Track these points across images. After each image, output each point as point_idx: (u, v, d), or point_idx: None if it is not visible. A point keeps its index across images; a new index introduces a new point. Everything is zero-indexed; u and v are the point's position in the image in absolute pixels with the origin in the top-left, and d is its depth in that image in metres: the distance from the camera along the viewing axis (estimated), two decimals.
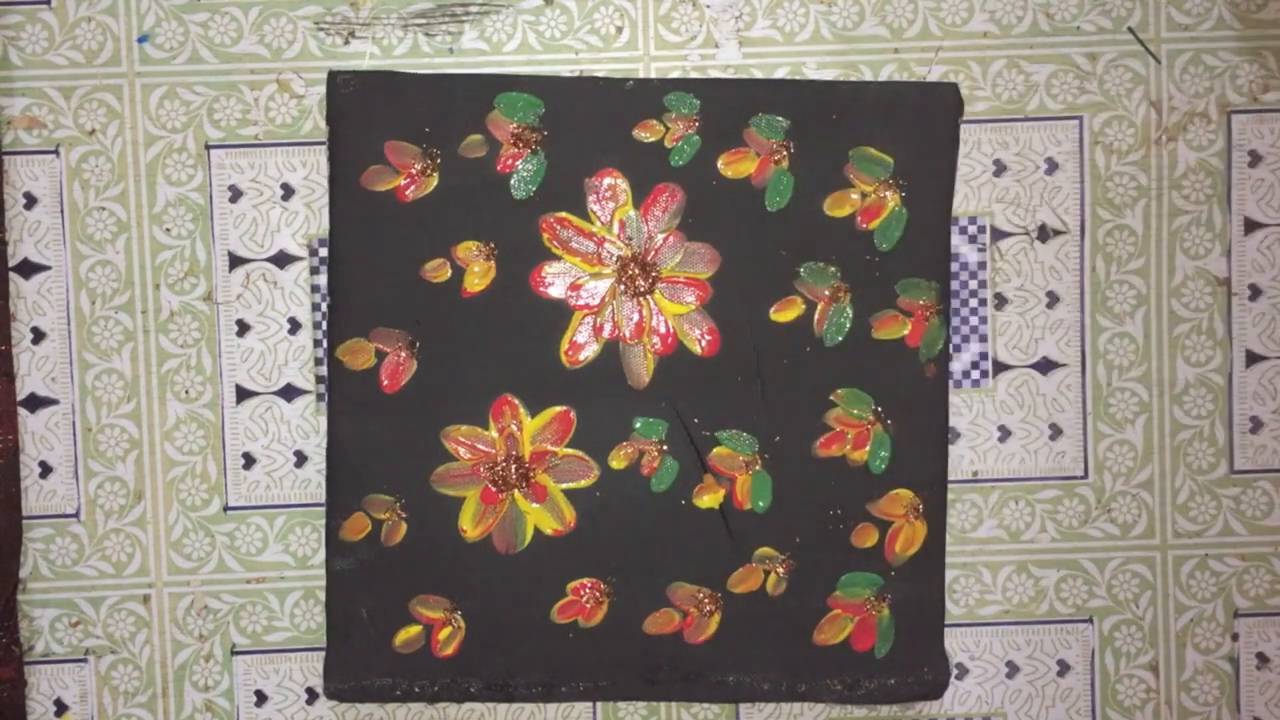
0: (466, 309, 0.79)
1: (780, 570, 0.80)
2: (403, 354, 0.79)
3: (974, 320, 0.81)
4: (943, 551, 0.80)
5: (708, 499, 0.79)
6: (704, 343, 0.79)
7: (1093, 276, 0.81)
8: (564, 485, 0.79)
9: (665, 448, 0.79)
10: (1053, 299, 0.81)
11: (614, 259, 0.79)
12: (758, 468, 0.79)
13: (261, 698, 0.81)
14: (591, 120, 0.79)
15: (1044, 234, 0.81)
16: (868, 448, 0.79)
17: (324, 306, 0.80)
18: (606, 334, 0.79)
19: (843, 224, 0.79)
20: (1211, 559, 0.82)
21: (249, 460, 0.81)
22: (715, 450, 0.79)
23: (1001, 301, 0.81)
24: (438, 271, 0.79)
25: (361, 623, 0.80)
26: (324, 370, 0.80)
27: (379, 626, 0.80)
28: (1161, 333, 0.81)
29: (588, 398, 0.79)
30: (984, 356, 0.81)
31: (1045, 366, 0.81)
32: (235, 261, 0.80)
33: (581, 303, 0.79)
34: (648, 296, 0.79)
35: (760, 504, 0.79)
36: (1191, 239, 0.81)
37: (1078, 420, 0.81)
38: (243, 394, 0.81)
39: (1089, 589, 0.82)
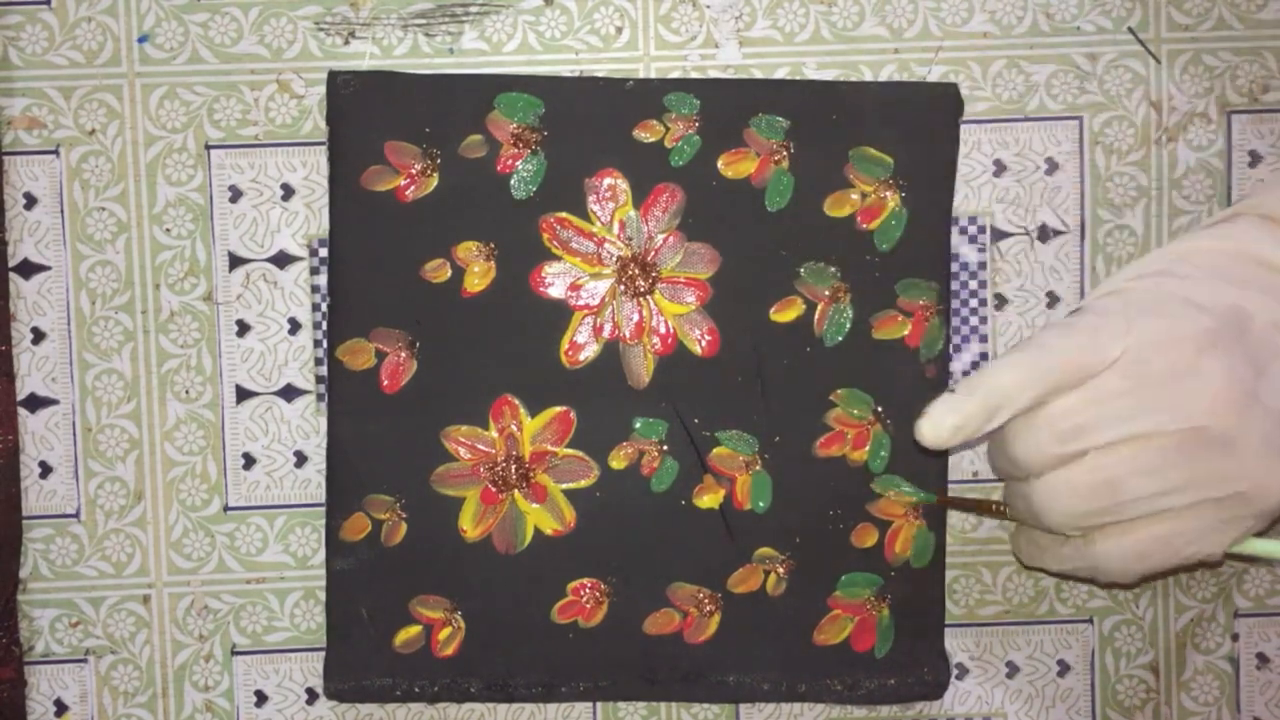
0: (466, 309, 0.79)
1: (780, 570, 0.80)
2: (403, 354, 0.79)
3: (974, 320, 0.81)
4: (943, 551, 0.80)
5: (708, 499, 0.79)
6: (704, 343, 0.79)
7: (1093, 277, 0.81)
8: (564, 485, 0.79)
9: (665, 448, 0.79)
10: (1053, 299, 0.81)
11: (614, 259, 0.79)
12: (758, 468, 0.79)
13: (261, 698, 0.81)
14: (591, 120, 0.79)
15: (1044, 234, 0.81)
16: (868, 448, 0.79)
17: (324, 307, 0.80)
18: (606, 334, 0.79)
19: (843, 224, 0.79)
20: None
21: (249, 460, 0.81)
22: (715, 450, 0.79)
23: (1002, 302, 0.81)
24: (438, 272, 0.79)
25: (361, 623, 0.80)
26: (324, 370, 0.80)
27: (379, 627, 0.80)
28: None
29: (588, 398, 0.79)
30: (984, 357, 0.81)
31: None
32: (235, 262, 0.80)
33: (581, 303, 0.79)
34: (648, 297, 0.79)
35: (760, 504, 0.79)
36: None
37: None
38: (243, 394, 0.81)
39: (1089, 589, 0.82)
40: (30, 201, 0.80)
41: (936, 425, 0.69)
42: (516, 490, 0.79)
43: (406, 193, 0.79)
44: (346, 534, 0.79)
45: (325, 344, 0.80)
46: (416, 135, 0.78)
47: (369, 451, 0.79)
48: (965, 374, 0.81)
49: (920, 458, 0.79)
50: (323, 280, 0.80)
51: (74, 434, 0.80)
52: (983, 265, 0.81)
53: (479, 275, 0.79)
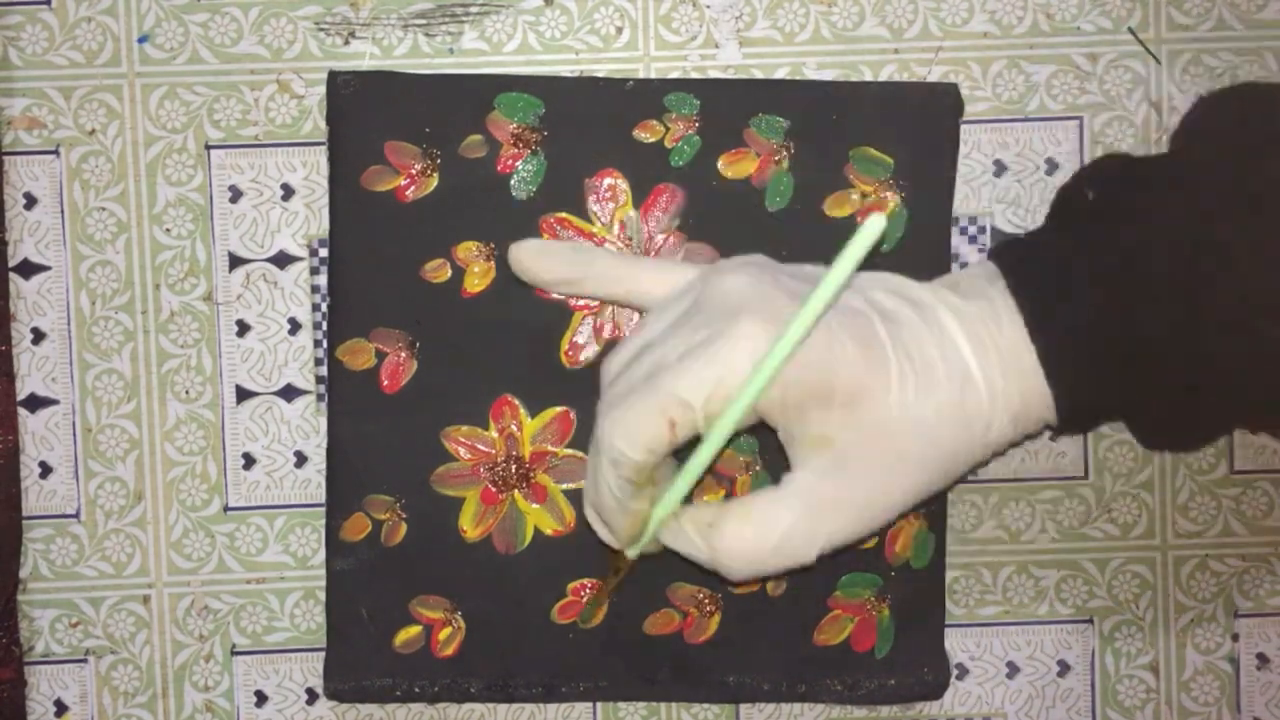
0: (467, 309, 0.79)
1: None
2: (403, 354, 0.79)
3: None
4: (943, 552, 0.80)
5: (708, 499, 0.79)
6: None
7: None
8: (564, 485, 0.79)
9: None
10: None
11: None
12: (758, 468, 0.79)
13: (262, 698, 0.81)
14: (591, 121, 0.79)
15: None
16: None
17: (324, 307, 0.80)
18: (607, 334, 0.79)
19: (843, 224, 0.79)
20: (1212, 559, 0.82)
21: (249, 460, 0.81)
22: None
23: None
24: (438, 272, 0.79)
25: (361, 623, 0.80)
26: (324, 370, 0.80)
27: (379, 627, 0.80)
28: None
29: (588, 398, 0.79)
30: None
31: None
32: (235, 262, 0.80)
33: (582, 303, 0.79)
34: None
35: None
36: None
37: None
38: (243, 394, 0.81)
39: (1089, 589, 0.82)
40: (30, 201, 0.80)
41: (524, 246, 0.76)
42: (516, 490, 0.79)
43: (406, 193, 0.79)
44: (346, 534, 0.79)
45: (325, 344, 0.80)
46: (416, 135, 0.78)
47: (369, 451, 0.79)
48: None
49: None
50: (323, 280, 0.80)
51: (74, 434, 0.80)
52: None
53: (479, 275, 0.79)
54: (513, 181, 0.79)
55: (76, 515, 0.80)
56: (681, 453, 0.69)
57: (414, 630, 0.80)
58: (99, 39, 0.79)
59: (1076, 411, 0.70)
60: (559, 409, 0.79)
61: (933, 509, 0.80)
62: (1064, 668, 0.83)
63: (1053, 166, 0.81)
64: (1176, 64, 0.81)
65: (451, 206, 0.79)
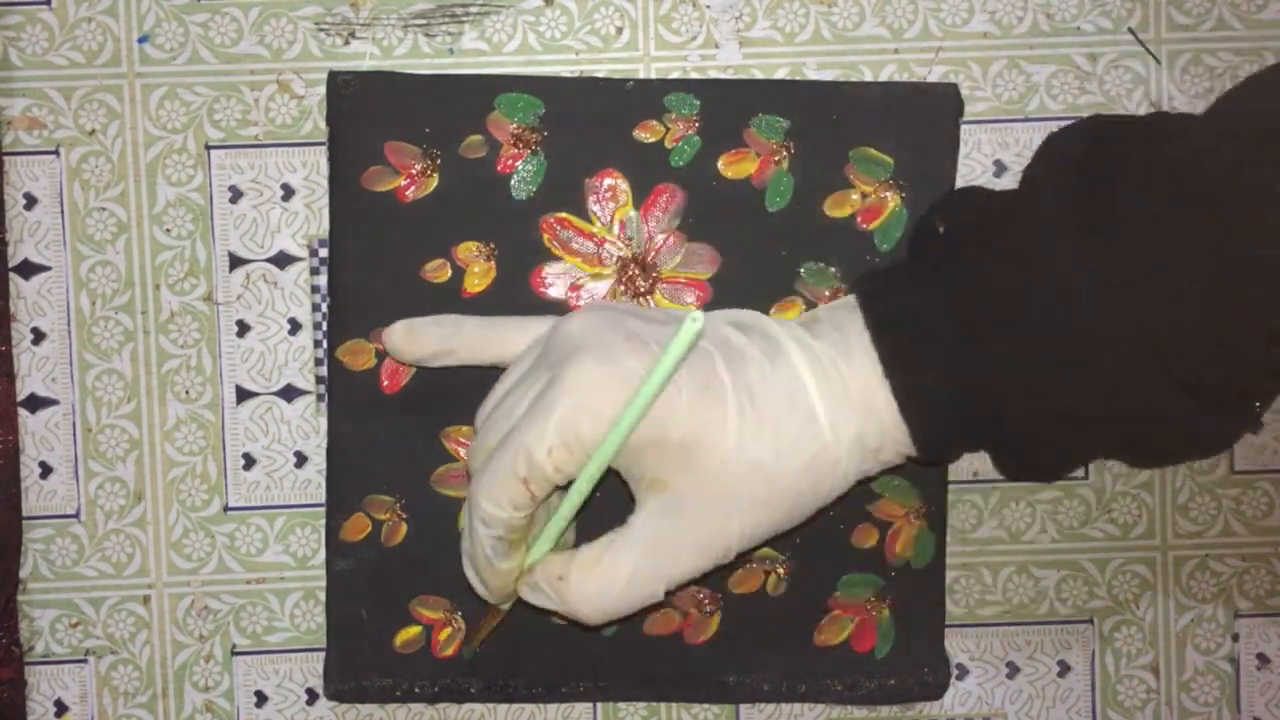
0: (467, 309, 0.79)
1: (780, 571, 0.80)
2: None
3: None
4: (943, 552, 0.80)
5: None
6: None
7: None
8: None
9: None
10: None
11: (614, 259, 0.79)
12: None
13: (262, 698, 0.81)
14: (591, 121, 0.79)
15: None
16: None
17: (324, 307, 0.80)
18: None
19: (843, 224, 0.79)
20: (1212, 559, 0.82)
21: (249, 461, 0.81)
22: None
23: None
24: (438, 272, 0.79)
25: (362, 623, 0.80)
26: (324, 371, 0.80)
27: (379, 627, 0.80)
28: None
29: None
30: None
31: None
32: (235, 262, 0.80)
33: (582, 303, 0.79)
34: (648, 297, 0.79)
35: None
36: None
37: None
38: (243, 394, 0.81)
39: (1089, 589, 0.82)
40: (30, 202, 0.79)
41: (393, 331, 0.76)
42: None
43: (407, 193, 0.79)
44: (347, 534, 0.79)
45: (325, 344, 0.80)
46: (416, 135, 0.78)
47: (369, 452, 0.79)
48: None
49: None
50: (323, 280, 0.80)
51: (74, 434, 0.80)
52: None
53: (479, 275, 0.79)
54: (513, 181, 0.79)
55: (76, 515, 0.80)
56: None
57: (414, 630, 0.80)
58: (99, 39, 0.79)
59: (934, 447, 0.70)
60: None
61: (932, 509, 0.80)
62: (1064, 668, 0.83)
63: None
64: (1176, 64, 0.81)
65: (451, 206, 0.79)
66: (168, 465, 0.81)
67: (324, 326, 0.80)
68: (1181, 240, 0.64)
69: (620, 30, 0.80)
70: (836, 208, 0.79)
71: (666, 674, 0.80)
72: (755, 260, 0.79)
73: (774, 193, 0.79)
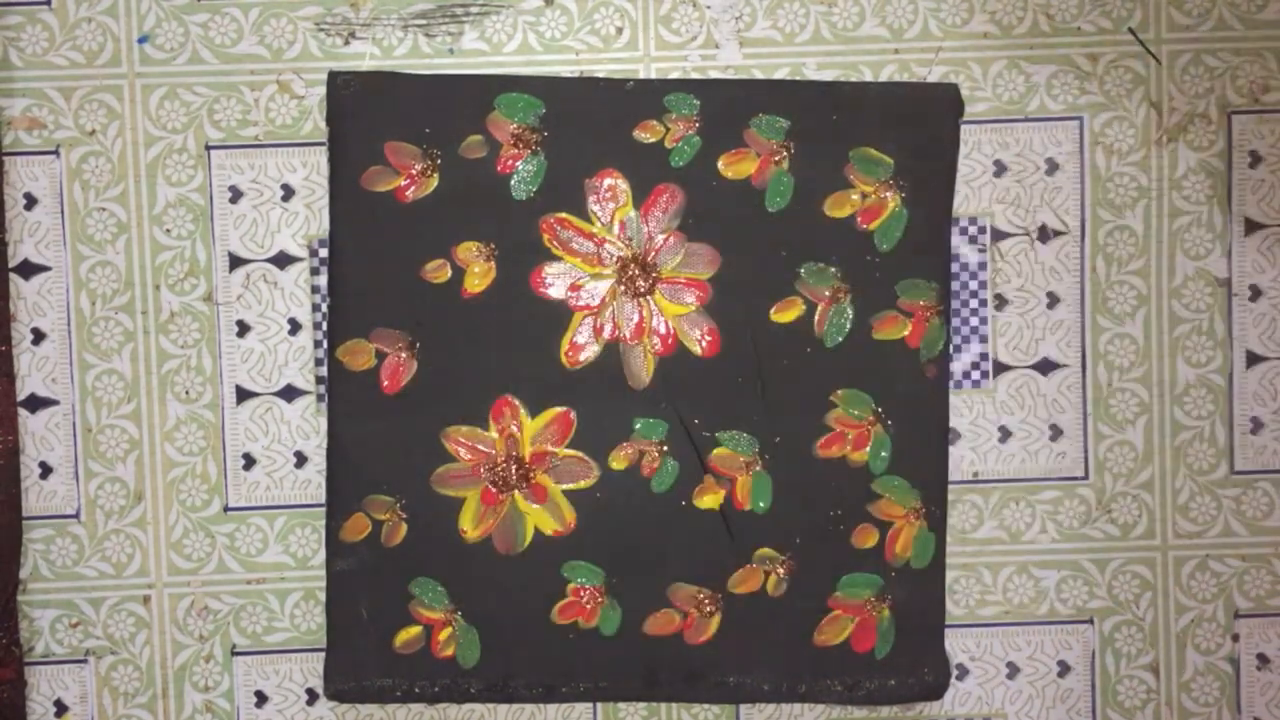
0: (467, 309, 0.79)
1: (781, 571, 0.80)
2: (403, 354, 0.79)
3: (974, 321, 0.81)
4: (943, 552, 0.80)
5: (708, 500, 0.79)
6: (704, 343, 0.79)
7: (1093, 277, 0.81)
8: (564, 486, 0.79)
9: (665, 448, 0.79)
10: (1053, 299, 0.81)
11: (614, 259, 0.79)
12: (758, 468, 0.79)
13: (262, 698, 0.81)
14: (592, 121, 0.79)
15: (1044, 235, 0.81)
16: (868, 448, 0.79)
17: (324, 307, 0.80)
18: (607, 334, 0.79)
19: (843, 224, 0.79)
20: (1212, 560, 0.82)
21: (249, 461, 0.81)
22: (715, 451, 0.79)
23: (1002, 302, 0.81)
24: (438, 272, 0.79)
25: (362, 623, 0.80)
26: (324, 371, 0.80)
27: (379, 627, 0.80)
28: (1162, 333, 0.81)
29: (588, 398, 0.79)
30: (984, 357, 0.81)
31: (1046, 367, 0.81)
32: (235, 262, 0.80)
33: (582, 303, 0.79)
34: (648, 297, 0.79)
35: (761, 505, 0.79)
36: (1192, 240, 0.81)
37: (1078, 421, 0.81)
38: (243, 394, 0.80)
39: (1089, 590, 0.82)
40: (30, 202, 0.79)
41: None
42: (517, 491, 0.79)
43: (407, 193, 0.79)
44: (347, 534, 0.79)
45: (325, 344, 0.80)
46: (417, 135, 0.78)
47: (369, 452, 0.79)
48: (965, 374, 0.81)
49: (921, 459, 0.79)
50: (323, 280, 0.80)
51: (74, 434, 0.80)
52: (983, 266, 0.81)
53: (479, 275, 0.79)
54: (513, 181, 0.79)
55: (76, 515, 0.80)
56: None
57: (414, 630, 0.80)
58: (99, 39, 0.79)
59: None
60: (559, 409, 0.79)
61: (932, 509, 0.80)
62: (1064, 668, 0.83)
63: (1053, 166, 0.81)
64: (1176, 64, 0.81)
65: (451, 207, 0.79)
66: (168, 465, 0.81)
67: (324, 327, 0.80)
68: None
69: (620, 30, 0.80)
70: (836, 208, 0.79)
71: (666, 674, 0.80)
72: (755, 260, 0.79)
73: (774, 193, 0.79)
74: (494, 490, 0.79)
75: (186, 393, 0.80)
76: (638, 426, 0.79)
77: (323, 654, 0.81)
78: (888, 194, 0.79)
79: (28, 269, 0.80)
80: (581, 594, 0.80)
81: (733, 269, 0.79)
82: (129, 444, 0.80)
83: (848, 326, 0.79)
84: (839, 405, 0.79)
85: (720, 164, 0.79)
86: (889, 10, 0.80)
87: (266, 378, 0.81)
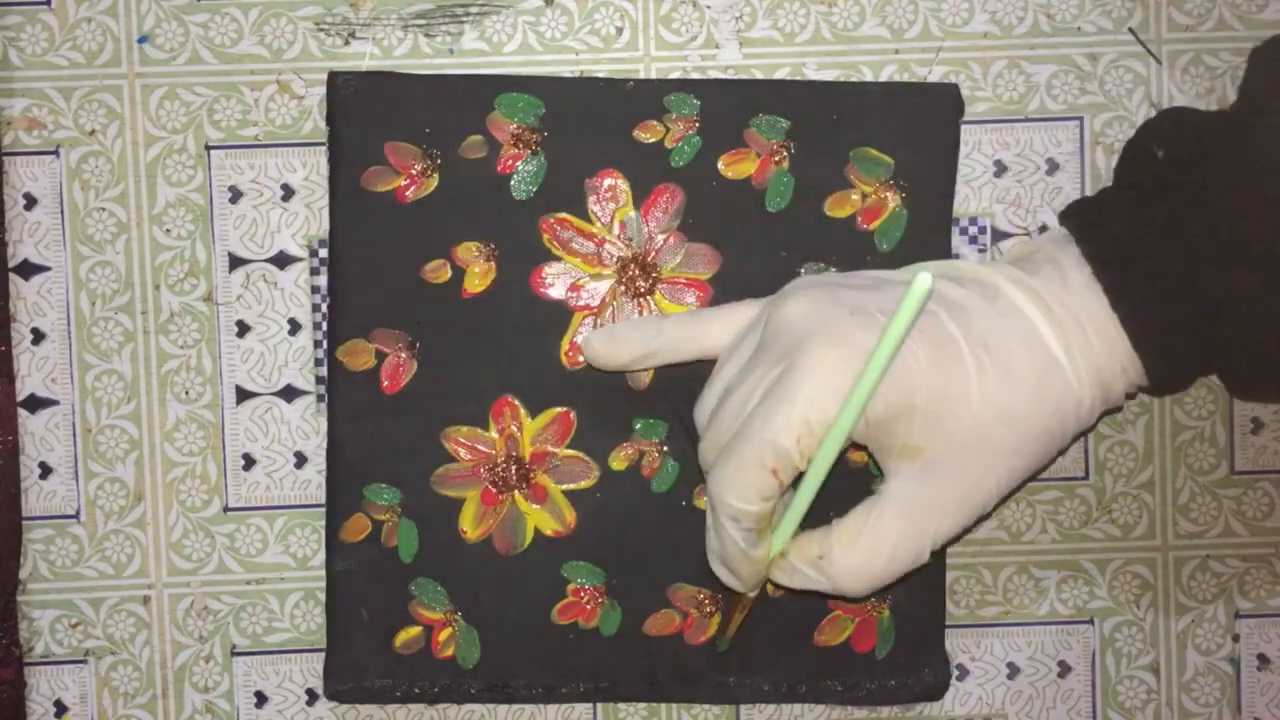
0: (467, 310, 0.79)
1: None
2: (403, 355, 0.79)
3: None
4: (944, 552, 0.80)
5: None
6: None
7: None
8: (564, 486, 0.79)
9: (666, 449, 0.79)
10: None
11: (614, 260, 0.79)
12: None
13: (262, 699, 0.81)
14: (592, 121, 0.79)
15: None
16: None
17: (324, 307, 0.80)
18: None
19: (843, 225, 0.79)
20: (1213, 560, 0.82)
21: (249, 461, 0.81)
22: None
23: None
24: (438, 272, 0.79)
25: (361, 624, 0.80)
26: (324, 371, 0.80)
27: (379, 627, 0.80)
28: None
29: (588, 399, 0.79)
30: None
31: None
32: (235, 262, 0.80)
33: (582, 303, 0.79)
34: (648, 297, 0.79)
35: None
36: None
37: None
38: (243, 395, 0.80)
39: (1090, 590, 0.82)
40: (30, 202, 0.79)
41: (594, 338, 0.76)
42: (517, 491, 0.79)
43: (407, 193, 0.79)
44: (347, 535, 0.79)
45: (325, 344, 0.80)
46: (417, 136, 0.78)
47: (369, 452, 0.79)
48: None
49: None
50: (323, 281, 0.80)
51: (74, 435, 0.80)
52: None
53: (479, 276, 0.79)
54: (513, 182, 0.79)
55: (76, 516, 0.80)
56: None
57: (414, 631, 0.80)
58: (99, 39, 0.79)
59: (1167, 374, 0.69)
60: (559, 409, 0.79)
61: None
62: (1064, 668, 0.83)
63: (1053, 167, 0.81)
64: (1177, 64, 0.81)
65: (452, 207, 0.79)
66: (168, 466, 0.80)
67: (324, 327, 0.80)
68: None
69: (620, 30, 0.80)
70: (836, 208, 0.79)
71: (666, 674, 0.80)
72: (755, 260, 0.79)
73: (774, 193, 0.79)
74: (494, 490, 0.79)
75: (186, 393, 0.80)
76: (638, 427, 0.79)
77: (323, 654, 0.81)
78: (888, 194, 0.79)
79: (27, 269, 0.80)
80: (582, 594, 0.80)
81: (733, 269, 0.79)
82: (129, 444, 0.80)
83: None
84: None
85: (720, 164, 0.79)
86: (889, 10, 0.80)
87: (266, 378, 0.81)
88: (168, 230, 0.80)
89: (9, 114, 0.79)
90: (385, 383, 0.79)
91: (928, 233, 0.79)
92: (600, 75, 0.80)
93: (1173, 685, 0.83)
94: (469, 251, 0.79)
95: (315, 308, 0.80)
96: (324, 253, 0.80)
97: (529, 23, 0.80)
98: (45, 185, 0.80)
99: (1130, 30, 0.81)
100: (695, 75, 0.80)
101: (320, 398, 0.81)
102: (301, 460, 0.81)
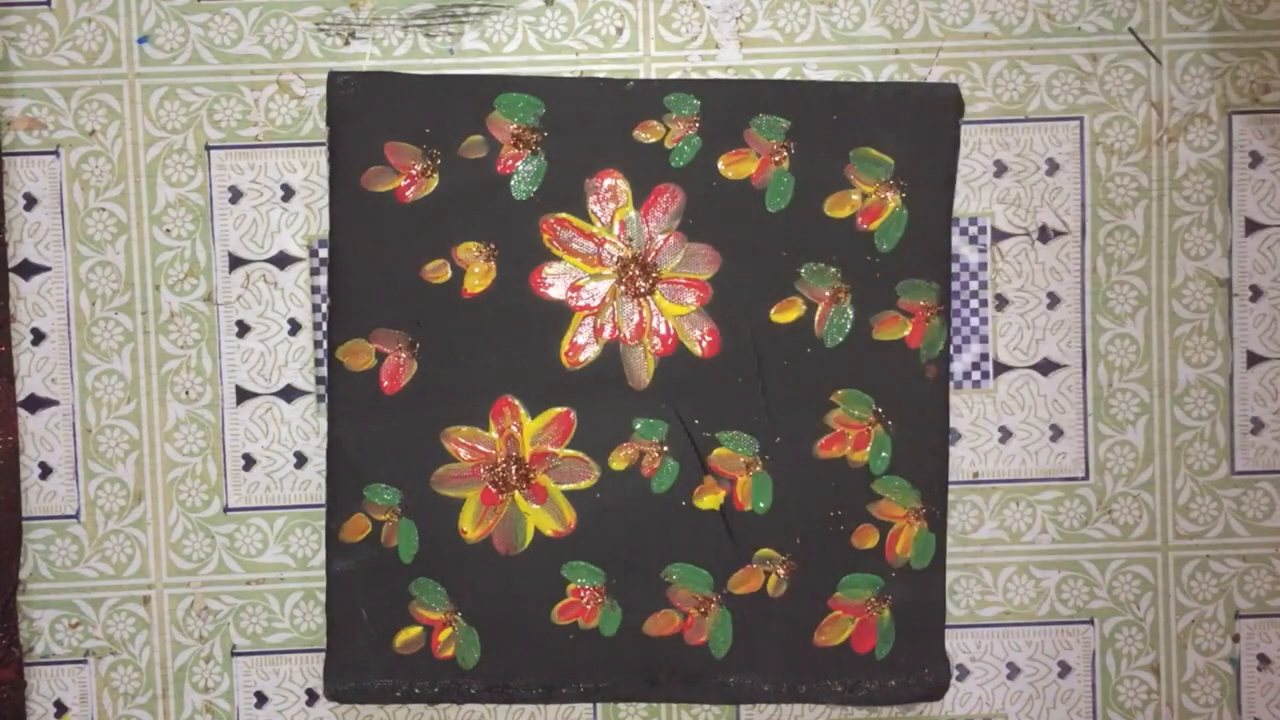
0: (467, 310, 0.79)
1: (781, 571, 0.80)
2: (403, 355, 0.79)
3: (975, 321, 0.81)
4: (944, 553, 0.80)
5: (708, 500, 0.79)
6: (704, 343, 0.79)
7: (1093, 277, 0.81)
8: (564, 486, 0.79)
9: (666, 449, 0.79)
10: (1053, 300, 0.81)
11: (614, 260, 0.79)
12: (758, 469, 0.79)
13: (261, 699, 0.81)
14: (592, 121, 0.79)
15: (1045, 235, 0.81)
16: (868, 449, 0.79)
17: (324, 307, 0.80)
18: (607, 335, 0.79)
19: (843, 225, 0.79)
20: (1212, 560, 0.82)
21: (249, 461, 0.81)
22: (716, 451, 0.79)
23: (1002, 302, 0.81)
24: (438, 272, 0.79)
25: (361, 624, 0.79)
26: (324, 371, 0.80)
27: (379, 628, 0.80)
28: (1162, 334, 0.81)
29: (588, 399, 0.79)
30: (985, 357, 0.81)
31: (1046, 367, 0.81)
32: (235, 262, 0.80)
33: (582, 303, 0.79)
34: (648, 297, 0.79)
35: (761, 505, 0.79)
36: (1192, 240, 0.81)
37: (1078, 421, 0.81)
38: (243, 395, 0.80)
39: (1090, 590, 0.82)
40: (30, 202, 0.79)
41: None
42: (517, 491, 0.79)
43: (407, 193, 0.79)
44: (347, 535, 0.79)
45: (325, 345, 0.80)
46: (417, 136, 0.78)
47: (369, 453, 0.79)
48: (966, 374, 0.81)
49: (921, 459, 0.79)
50: (323, 281, 0.80)
51: (74, 435, 0.80)
52: (983, 266, 0.81)
53: (479, 276, 0.79)
54: (513, 182, 0.79)
55: (76, 516, 0.80)
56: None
57: (414, 631, 0.80)
58: (99, 39, 0.79)
59: None
60: (559, 409, 0.79)
61: (933, 510, 0.80)
62: (1065, 669, 0.83)
63: (1053, 166, 0.81)
64: (1177, 64, 0.81)
65: (451, 207, 0.79)
66: (168, 466, 0.80)
67: (324, 327, 0.80)
68: None
69: (620, 30, 0.80)
70: (836, 208, 0.79)
71: (666, 674, 0.80)
72: (756, 261, 0.79)
73: (774, 193, 0.79)
74: (494, 490, 0.79)
75: (186, 393, 0.80)
76: (638, 427, 0.79)
77: (323, 654, 0.81)
78: (888, 194, 0.79)
79: (28, 269, 0.80)
80: (581, 594, 0.80)
81: (733, 269, 0.79)
82: (129, 444, 0.80)
83: (848, 327, 0.79)
84: (839, 405, 0.79)
85: (720, 164, 0.79)
86: (889, 10, 0.80)
87: (266, 378, 0.81)
88: (168, 230, 0.80)
89: (9, 114, 0.79)
90: (385, 383, 0.79)
91: (928, 233, 0.79)
92: (600, 75, 0.80)
93: (1173, 685, 0.83)
94: (469, 251, 0.79)
95: (315, 308, 0.80)
96: (324, 253, 0.80)
97: (529, 23, 0.80)
98: (45, 185, 0.80)
99: (1130, 30, 0.81)
100: (695, 75, 0.80)
101: (320, 398, 0.81)
102: (301, 460, 0.81)
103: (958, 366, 0.81)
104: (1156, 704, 0.83)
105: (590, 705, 0.82)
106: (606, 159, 0.79)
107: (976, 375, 0.81)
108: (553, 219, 0.79)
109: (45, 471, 0.80)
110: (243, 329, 0.80)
